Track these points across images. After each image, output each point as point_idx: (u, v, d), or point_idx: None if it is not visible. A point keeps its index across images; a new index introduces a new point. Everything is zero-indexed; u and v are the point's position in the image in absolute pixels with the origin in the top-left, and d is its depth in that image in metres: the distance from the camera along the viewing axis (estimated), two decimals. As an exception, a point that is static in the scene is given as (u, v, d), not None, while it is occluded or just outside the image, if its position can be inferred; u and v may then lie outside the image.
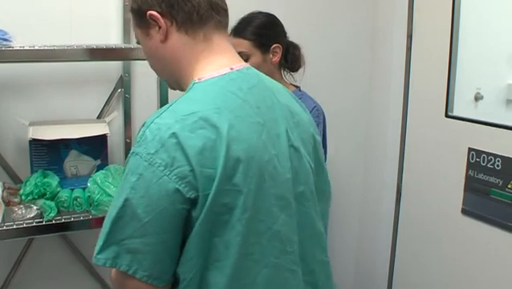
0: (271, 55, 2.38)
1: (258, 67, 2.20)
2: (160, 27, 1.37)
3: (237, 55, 1.46)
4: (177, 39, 1.38)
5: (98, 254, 1.25)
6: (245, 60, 2.28)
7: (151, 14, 1.36)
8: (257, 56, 2.34)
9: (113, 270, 1.28)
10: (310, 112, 2.28)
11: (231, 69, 1.38)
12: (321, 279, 1.44)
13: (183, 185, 1.20)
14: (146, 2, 1.37)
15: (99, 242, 1.25)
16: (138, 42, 1.50)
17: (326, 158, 2.46)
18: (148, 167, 1.20)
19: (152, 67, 1.50)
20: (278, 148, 1.34)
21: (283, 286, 1.34)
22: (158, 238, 1.22)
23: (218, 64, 1.37)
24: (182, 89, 1.44)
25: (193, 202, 1.22)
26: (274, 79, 2.30)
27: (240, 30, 2.35)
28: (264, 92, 1.41)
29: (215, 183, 1.21)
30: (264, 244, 1.30)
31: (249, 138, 1.28)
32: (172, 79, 1.47)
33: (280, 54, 2.39)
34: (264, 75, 1.49)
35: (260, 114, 1.34)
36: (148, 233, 1.21)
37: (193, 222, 1.23)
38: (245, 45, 2.33)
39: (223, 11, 1.43)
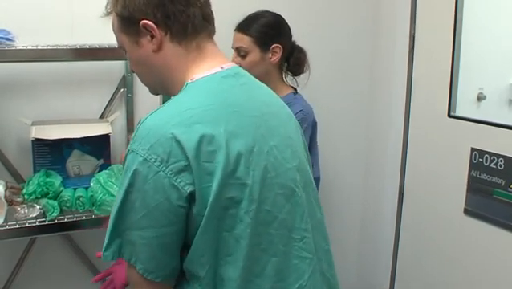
0: (270, 55, 2.37)
1: (255, 65, 2.21)
2: (153, 37, 1.36)
3: (227, 59, 1.48)
4: (170, 50, 1.37)
5: (104, 251, 1.28)
6: (244, 56, 2.30)
7: (145, 24, 1.34)
8: (255, 53, 2.34)
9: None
10: (295, 115, 2.28)
11: (221, 68, 1.39)
12: (324, 267, 1.45)
13: (178, 180, 1.21)
14: (140, 10, 1.34)
15: (106, 241, 1.28)
16: (121, 47, 1.45)
17: (314, 165, 2.46)
18: (143, 162, 1.22)
19: (136, 72, 1.48)
20: (277, 139, 1.37)
21: (293, 273, 1.35)
22: (153, 232, 1.23)
23: (209, 65, 1.38)
24: (168, 94, 1.46)
25: (191, 197, 1.22)
26: (271, 79, 2.33)
27: (243, 26, 2.37)
28: (255, 88, 1.46)
29: (217, 177, 1.22)
30: (272, 233, 1.31)
31: (247, 131, 1.30)
32: (159, 85, 1.46)
33: (280, 54, 2.38)
34: (251, 76, 1.50)
35: (255, 108, 1.37)
36: (144, 226, 1.23)
37: (197, 220, 1.24)
38: (245, 40, 2.34)
39: (213, 21, 1.44)
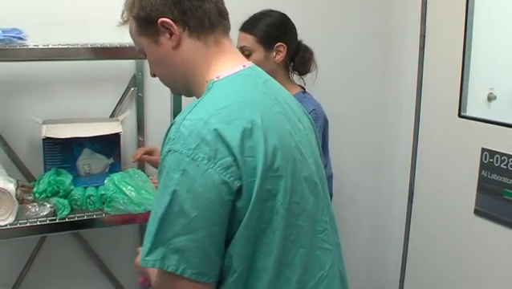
0: (274, 54, 2.37)
1: (259, 64, 2.19)
2: (171, 34, 1.38)
3: (244, 57, 1.51)
4: (190, 45, 1.39)
5: (146, 256, 1.25)
6: (248, 56, 2.30)
7: (163, 22, 1.36)
8: (259, 52, 2.34)
9: (156, 273, 1.30)
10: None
11: (243, 66, 1.42)
12: (336, 260, 1.48)
13: (228, 176, 1.22)
14: (157, 10, 1.36)
15: (147, 244, 1.26)
16: (140, 51, 1.48)
17: (327, 163, 2.46)
18: (190, 162, 1.21)
19: (158, 73, 1.50)
20: (299, 135, 1.40)
21: (316, 263, 1.39)
22: (206, 232, 1.23)
23: (231, 64, 1.41)
24: (190, 94, 1.48)
25: (238, 192, 1.24)
26: (277, 78, 2.29)
27: (248, 26, 2.37)
28: (276, 86, 1.49)
29: (259, 171, 1.24)
30: (300, 225, 1.35)
31: (278, 127, 1.33)
32: (181, 85, 1.47)
33: (284, 53, 2.37)
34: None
35: (279, 104, 1.40)
36: (196, 228, 1.22)
37: (241, 213, 1.25)
38: (248, 39, 2.34)
39: (227, 16, 1.46)
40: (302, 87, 2.49)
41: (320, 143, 2.32)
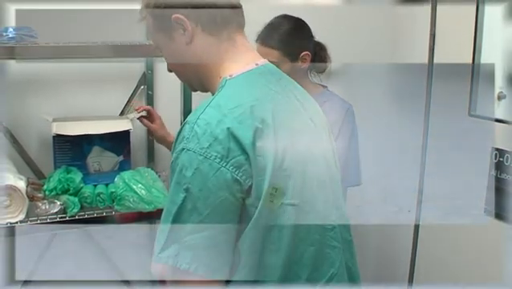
0: (300, 62, 2.31)
1: (287, 74, 2.19)
2: (185, 30, 1.39)
3: (257, 52, 1.52)
4: (202, 40, 1.41)
5: (160, 252, 1.27)
6: None
7: (177, 17, 1.38)
8: (286, 65, 2.22)
9: (165, 268, 1.29)
10: (346, 113, 2.28)
11: (256, 64, 1.43)
12: (347, 257, 1.49)
13: (240, 174, 1.24)
14: (170, 6, 1.39)
15: (161, 241, 1.27)
16: (157, 47, 1.50)
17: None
18: (203, 160, 1.23)
19: (173, 70, 1.52)
20: (310, 133, 1.43)
21: (325, 261, 1.40)
22: (219, 229, 1.25)
23: (244, 61, 1.42)
24: (205, 89, 1.50)
25: (249, 190, 1.26)
26: (303, 83, 2.28)
27: (267, 39, 2.28)
28: (289, 84, 1.50)
29: (268, 170, 1.26)
30: (309, 223, 1.36)
31: (288, 126, 1.35)
32: (196, 80, 1.49)
33: (309, 60, 2.32)
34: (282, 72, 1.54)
35: (291, 103, 1.42)
36: (209, 226, 1.24)
37: (250, 211, 1.27)
38: (274, 55, 2.23)
39: (241, 12, 1.47)
40: (324, 86, 2.47)
41: (336, 140, 2.32)
